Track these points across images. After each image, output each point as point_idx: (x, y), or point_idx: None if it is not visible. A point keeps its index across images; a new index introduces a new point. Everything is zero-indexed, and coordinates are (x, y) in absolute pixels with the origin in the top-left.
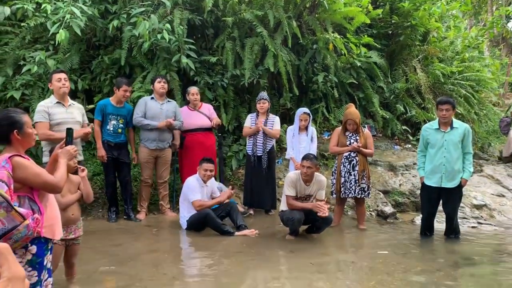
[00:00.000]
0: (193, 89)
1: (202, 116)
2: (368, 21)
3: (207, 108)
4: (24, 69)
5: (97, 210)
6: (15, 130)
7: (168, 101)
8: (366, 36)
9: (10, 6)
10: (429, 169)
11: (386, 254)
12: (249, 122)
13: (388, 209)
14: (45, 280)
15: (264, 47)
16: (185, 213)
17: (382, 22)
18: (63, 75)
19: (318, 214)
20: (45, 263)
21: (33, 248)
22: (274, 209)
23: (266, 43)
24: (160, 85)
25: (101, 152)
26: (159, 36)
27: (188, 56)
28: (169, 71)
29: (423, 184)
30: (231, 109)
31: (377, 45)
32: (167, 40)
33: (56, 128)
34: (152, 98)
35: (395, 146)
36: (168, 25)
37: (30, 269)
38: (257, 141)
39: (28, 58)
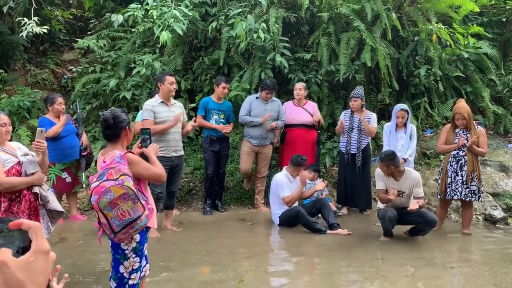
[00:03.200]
0: (298, 85)
1: (306, 113)
2: (477, 9)
3: (312, 105)
4: (134, 71)
5: (196, 203)
6: (127, 127)
7: (273, 100)
8: (475, 25)
9: (122, 14)
10: None
11: (493, 262)
12: (342, 119)
13: (498, 213)
14: (144, 266)
15: (361, 41)
16: (276, 209)
17: (494, 9)
18: (174, 79)
19: (408, 208)
20: (144, 250)
21: (137, 236)
22: (369, 209)
23: (363, 37)
24: (265, 95)
25: (219, 126)
26: (255, 35)
27: (282, 54)
28: (264, 69)
29: None
30: (326, 106)
31: (488, 34)
32: (263, 39)
33: (161, 125)
34: (257, 98)
35: (508, 145)
36: (263, 25)
37: (134, 255)
38: (351, 138)
39: (138, 61)
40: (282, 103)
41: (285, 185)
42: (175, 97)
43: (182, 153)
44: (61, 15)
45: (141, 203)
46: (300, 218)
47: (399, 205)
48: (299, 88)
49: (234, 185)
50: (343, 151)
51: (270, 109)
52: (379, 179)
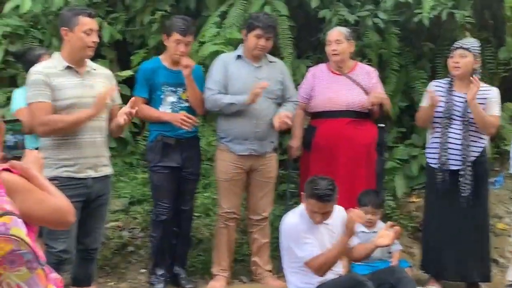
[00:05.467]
0: (334, 33)
1: (354, 87)
2: None
3: (366, 72)
4: (7, 7)
5: (136, 271)
6: None
7: (270, 61)
8: None
9: None
10: None
11: None
12: (432, 92)
13: None
14: None
15: None
16: (298, 282)
17: None
18: (95, 24)
19: None
20: None
21: None
22: (487, 281)
23: None
24: (256, 42)
25: (170, 116)
26: None
27: None
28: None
29: None
30: (394, 74)
31: None
32: None
33: (64, 114)
34: (239, 56)
35: None
36: None
37: None
38: (449, 138)
39: None
40: (306, 68)
41: (303, 235)
42: (94, 58)
43: (109, 171)
44: None
45: (42, 268)
46: None
47: None
48: (337, 40)
49: (212, 235)
50: (433, 165)
51: (267, 77)
52: None
